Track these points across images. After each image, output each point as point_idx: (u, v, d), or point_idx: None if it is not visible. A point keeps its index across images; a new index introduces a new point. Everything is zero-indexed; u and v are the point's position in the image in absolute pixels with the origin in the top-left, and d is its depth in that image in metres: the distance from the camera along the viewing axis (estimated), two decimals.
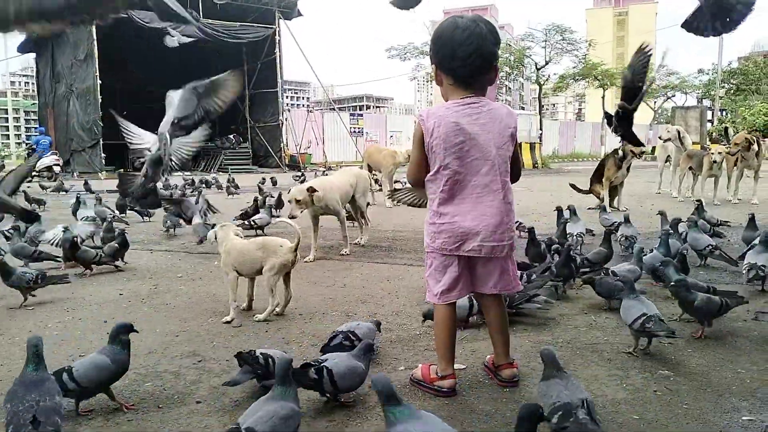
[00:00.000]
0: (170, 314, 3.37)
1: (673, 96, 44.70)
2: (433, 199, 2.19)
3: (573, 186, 8.37)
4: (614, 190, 7.88)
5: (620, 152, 7.58)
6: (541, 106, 38.24)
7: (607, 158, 7.92)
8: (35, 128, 22.12)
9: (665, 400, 2.12)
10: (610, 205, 7.67)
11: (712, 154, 8.19)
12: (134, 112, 27.14)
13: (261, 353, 2.23)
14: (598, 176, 7.89)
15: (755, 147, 8.32)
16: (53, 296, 3.77)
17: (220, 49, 22.81)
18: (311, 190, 4.72)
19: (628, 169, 7.69)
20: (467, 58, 2.07)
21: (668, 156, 9.89)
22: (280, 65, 23.33)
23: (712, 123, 32.03)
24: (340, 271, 4.48)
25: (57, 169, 17.24)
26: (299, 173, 15.59)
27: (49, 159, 17.16)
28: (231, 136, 24.02)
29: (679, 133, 9.41)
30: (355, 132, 28.23)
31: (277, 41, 22.99)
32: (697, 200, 5.55)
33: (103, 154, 19.27)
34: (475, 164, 2.10)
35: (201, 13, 20.44)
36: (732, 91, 40.88)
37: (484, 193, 2.10)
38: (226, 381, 2.23)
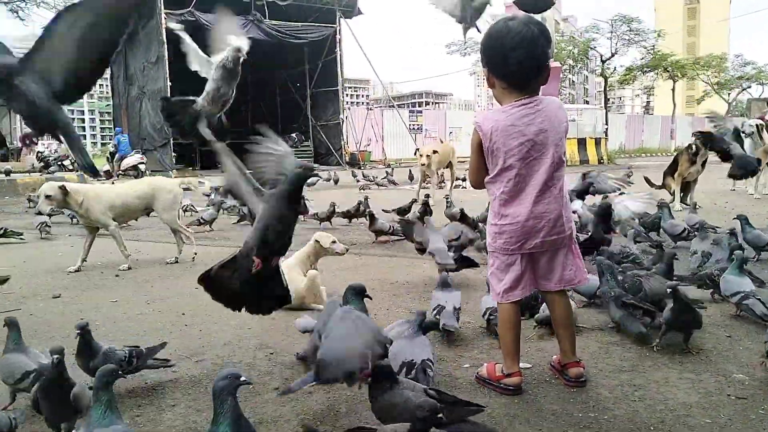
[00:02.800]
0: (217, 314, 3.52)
1: (749, 87, 42.35)
2: (493, 200, 2.22)
3: (647, 180, 8.10)
4: (687, 187, 7.58)
5: (693, 147, 7.28)
6: (606, 100, 37.06)
7: (681, 153, 7.64)
8: (114, 129, 23.24)
9: (739, 404, 2.07)
10: (682, 201, 7.39)
11: None
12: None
13: None
14: (671, 171, 7.61)
15: None
16: (133, 290, 4.02)
17: (283, 49, 23.32)
18: (63, 189, 4.54)
19: (703, 165, 7.34)
20: (520, 63, 2.09)
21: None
22: (340, 64, 23.61)
23: None
24: (402, 268, 4.54)
25: (142, 167, 18.05)
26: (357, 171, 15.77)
27: (134, 158, 18.01)
28: (293, 135, 24.51)
29: (757, 127, 8.93)
30: (414, 129, 28.25)
31: (338, 40, 23.28)
32: None
33: (173, 154, 20.06)
34: (534, 164, 2.12)
35: (266, 14, 21.03)
36: None
37: (543, 190, 2.13)
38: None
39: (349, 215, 6.73)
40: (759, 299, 2.74)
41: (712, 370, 2.38)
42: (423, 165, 8.99)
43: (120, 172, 16.18)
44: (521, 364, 2.41)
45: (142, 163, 18.28)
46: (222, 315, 3.34)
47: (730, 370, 2.37)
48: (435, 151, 8.70)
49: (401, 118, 27.45)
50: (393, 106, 33.78)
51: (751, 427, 1.92)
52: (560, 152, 2.15)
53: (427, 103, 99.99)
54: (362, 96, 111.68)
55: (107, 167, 18.44)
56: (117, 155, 18.93)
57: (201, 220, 6.88)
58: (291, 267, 3.54)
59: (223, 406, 1.60)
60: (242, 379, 1.64)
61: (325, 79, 24.30)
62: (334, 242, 3.79)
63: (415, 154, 13.46)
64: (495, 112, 2.20)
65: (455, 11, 3.47)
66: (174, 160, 20.13)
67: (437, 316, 2.75)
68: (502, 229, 2.20)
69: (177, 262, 5.01)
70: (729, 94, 43.85)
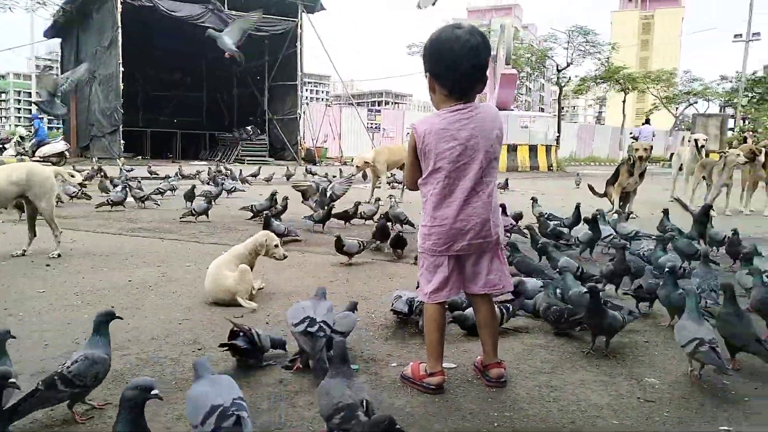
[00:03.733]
0: (175, 302, 3.47)
1: (696, 103, 44.15)
2: (425, 202, 2.28)
3: (590, 187, 8.35)
4: (627, 197, 7.84)
5: (631, 159, 7.56)
6: (560, 108, 38.05)
7: (621, 164, 7.92)
8: (33, 115, 22.37)
9: (647, 407, 2.17)
10: (621, 210, 7.65)
11: (737, 156, 8.15)
12: (154, 99, 27.44)
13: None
14: (613, 181, 7.87)
15: (761, 158, 8.27)
16: (65, 281, 3.90)
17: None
18: None
19: (641, 176, 7.62)
20: (465, 73, 2.15)
21: (681, 164, 9.84)
22: (300, 59, 23.45)
23: (734, 131, 31.61)
24: (343, 268, 4.55)
25: (67, 154, 17.55)
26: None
27: (56, 146, 17.40)
28: (249, 128, 24.22)
29: (696, 142, 9.35)
30: (372, 127, 28.32)
31: (299, 34, 23.11)
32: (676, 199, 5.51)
33: (122, 141, 19.52)
34: (463, 168, 2.17)
35: (225, 4, 20.69)
36: (755, 100, 40.25)
37: (471, 194, 2.18)
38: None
39: (346, 216, 6.36)
40: (713, 348, 2.34)
41: (626, 373, 2.49)
42: (353, 175, 9.18)
43: (37, 158, 15.55)
44: (446, 364, 2.46)
45: (68, 150, 17.81)
46: (153, 309, 3.31)
47: (642, 374, 2.47)
48: (367, 163, 8.76)
49: (359, 116, 27.45)
50: (352, 104, 33.75)
51: (653, 429, 2.01)
52: (490, 158, 2.20)
53: (386, 103, 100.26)
54: (322, 92, 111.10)
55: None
56: (34, 140, 18.18)
57: (109, 201, 7.25)
58: (224, 263, 3.51)
59: (127, 414, 1.55)
60: (153, 392, 1.58)
61: (285, 73, 24.09)
62: (277, 246, 3.78)
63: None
64: (431, 116, 2.26)
65: None
66: (123, 147, 19.57)
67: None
68: (431, 231, 2.25)
69: (60, 256, 4.63)
70: (677, 108, 45.60)
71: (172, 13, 19.90)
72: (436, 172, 2.20)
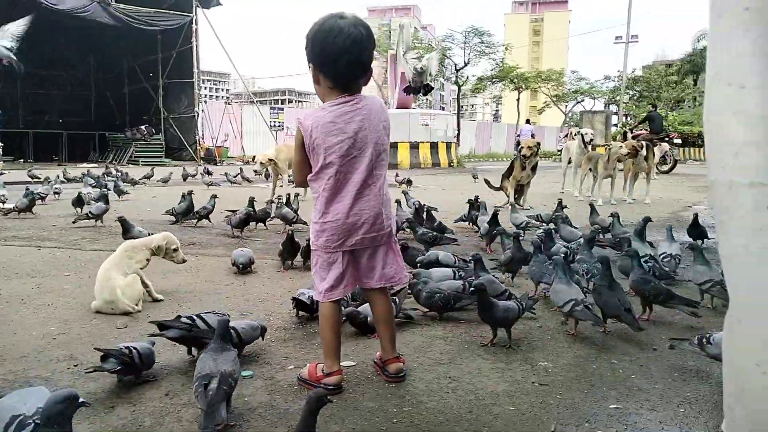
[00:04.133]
0: (51, 315, 3.17)
1: (583, 101, 47.03)
2: (316, 198, 2.19)
3: (487, 182, 8.61)
4: (521, 190, 8.17)
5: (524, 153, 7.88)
6: (459, 107, 39.17)
7: (515, 159, 8.23)
8: None
9: (541, 391, 2.21)
10: (516, 202, 7.92)
11: (620, 148, 8.71)
12: (36, 98, 25.44)
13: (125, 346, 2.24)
14: (508, 174, 8.16)
15: (643, 152, 8.93)
16: None
17: (134, 35, 21.82)
18: None
19: (533, 170, 7.97)
20: (350, 65, 2.08)
21: (570, 158, 10.38)
22: (196, 55, 22.62)
23: (617, 127, 33.95)
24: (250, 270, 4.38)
25: None
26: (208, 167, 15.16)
27: None
28: (143, 127, 23.00)
29: (582, 136, 9.86)
30: (275, 126, 27.77)
31: (194, 30, 22.25)
32: (590, 204, 5.82)
33: (0, 144, 17.88)
34: (354, 161, 2.11)
35: None
36: (636, 98, 43.53)
37: (362, 188, 2.13)
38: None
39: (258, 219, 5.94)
40: (586, 306, 2.72)
41: (521, 359, 2.53)
42: (256, 172, 9.15)
43: None
44: (345, 363, 2.40)
45: None
46: (25, 324, 3.00)
47: (536, 359, 2.53)
48: (271, 160, 8.61)
49: (261, 114, 26.84)
50: (253, 102, 32.96)
51: (548, 413, 2.04)
52: (379, 150, 2.15)
53: (290, 101, 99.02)
54: (222, 90, 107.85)
55: None
56: None
57: (15, 208, 6.64)
58: (115, 262, 3.31)
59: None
60: (80, 400, 1.51)
61: (180, 70, 23.13)
62: (176, 249, 3.62)
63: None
64: (317, 110, 2.17)
65: None
66: (1, 150, 17.92)
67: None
68: (324, 227, 2.17)
69: None
70: (566, 106, 48.37)
71: (53, 6, 18.49)
72: (326, 167, 2.12)
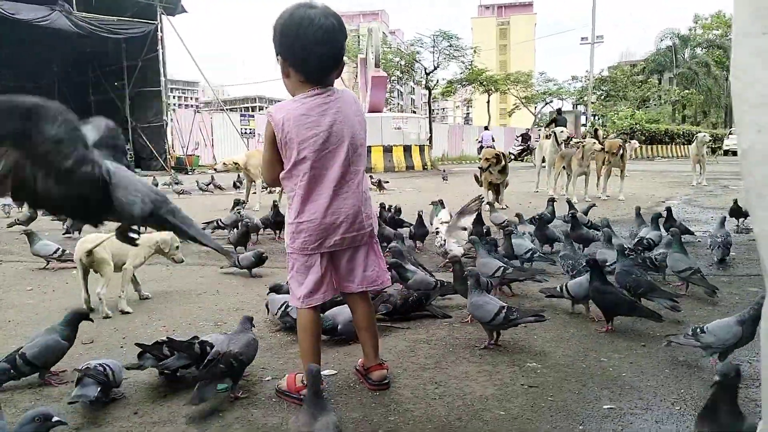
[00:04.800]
0: (12, 332, 2.98)
1: (551, 102, 47.57)
2: (291, 197, 2.06)
3: (476, 177, 8.55)
4: (498, 189, 8.09)
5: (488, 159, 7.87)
6: (431, 110, 39.26)
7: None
8: None
9: (531, 393, 2.13)
10: (497, 202, 7.84)
11: (594, 144, 8.76)
12: None
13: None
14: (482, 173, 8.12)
15: (621, 151, 9.01)
16: None
17: (97, 44, 21.36)
18: None
19: (501, 172, 7.85)
20: (321, 57, 1.96)
21: (543, 157, 10.42)
22: (163, 63, 22.20)
23: (585, 126, 34.43)
24: (214, 277, 4.23)
25: None
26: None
27: None
28: None
29: (555, 135, 9.90)
30: (246, 133, 27.43)
31: (159, 38, 21.85)
32: (567, 200, 5.82)
33: None
34: (329, 156, 1.99)
35: (74, 5, 19.06)
36: (603, 97, 44.23)
37: (340, 185, 2.01)
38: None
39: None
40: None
41: (508, 360, 2.45)
42: (216, 170, 9.12)
43: None
44: (326, 371, 2.29)
45: None
46: None
47: (523, 360, 2.44)
48: (236, 163, 8.47)
49: (232, 122, 26.49)
50: (223, 110, 32.53)
51: (540, 416, 1.96)
52: (356, 144, 2.04)
53: (260, 108, 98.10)
54: (192, 99, 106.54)
55: None
56: None
57: (17, 221, 6.21)
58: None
59: None
60: (55, 419, 1.45)
61: (147, 79, 22.67)
62: (178, 248, 3.60)
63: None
64: (288, 103, 2.03)
65: None
66: None
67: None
68: (300, 228, 2.04)
69: None
70: (535, 107, 48.90)
71: (12, 15, 17.93)
72: (300, 163, 1.99)
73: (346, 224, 2.04)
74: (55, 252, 4.46)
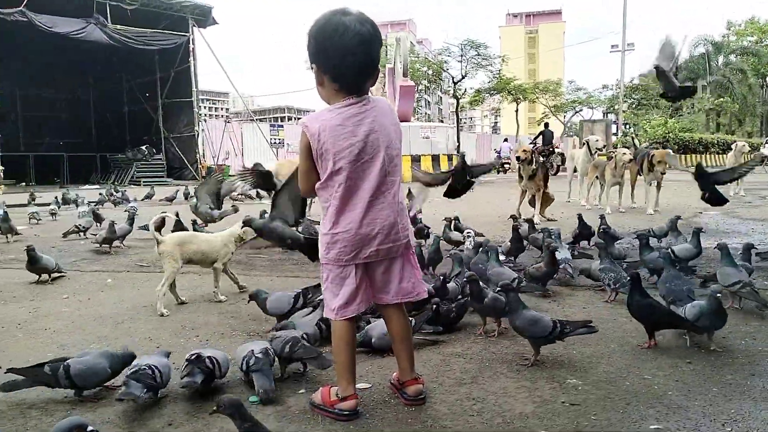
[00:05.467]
0: (48, 340, 3.01)
1: (581, 110, 47.01)
2: (326, 208, 2.04)
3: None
4: (533, 200, 7.82)
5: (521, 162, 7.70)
6: (458, 119, 39.14)
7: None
8: None
9: (573, 411, 2.05)
10: (541, 214, 7.61)
11: (624, 154, 8.52)
12: (36, 121, 25.42)
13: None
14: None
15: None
16: None
17: (131, 56, 21.85)
18: None
19: (530, 179, 7.58)
20: (357, 65, 1.93)
21: (576, 166, 10.24)
22: (194, 74, 22.59)
23: (616, 135, 33.89)
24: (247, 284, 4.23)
25: None
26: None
27: None
28: (143, 147, 22.92)
29: (587, 143, 9.73)
30: (275, 143, 27.69)
31: (191, 49, 22.25)
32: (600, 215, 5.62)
33: (1, 167, 17.80)
34: (365, 167, 1.96)
35: (109, 18, 19.54)
36: (634, 105, 43.51)
37: (376, 195, 1.98)
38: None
39: None
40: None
41: (547, 376, 2.37)
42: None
43: None
44: (359, 385, 2.24)
45: None
46: (20, 351, 2.84)
47: (563, 376, 2.37)
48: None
49: (261, 132, 26.77)
50: (253, 120, 32.93)
51: None
52: (392, 155, 2.01)
53: (289, 118, 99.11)
54: (221, 109, 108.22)
55: None
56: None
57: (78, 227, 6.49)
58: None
59: None
60: (90, 429, 1.47)
61: (179, 90, 23.10)
62: (254, 238, 3.95)
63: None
64: (322, 112, 2.01)
65: None
66: (2, 174, 17.85)
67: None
68: (335, 239, 2.02)
69: None
70: (564, 116, 48.36)
71: (49, 28, 18.47)
72: (336, 174, 1.97)
73: (382, 235, 2.01)
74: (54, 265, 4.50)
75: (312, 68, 2.01)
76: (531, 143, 24.92)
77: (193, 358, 2.23)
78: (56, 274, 4.52)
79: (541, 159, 8.05)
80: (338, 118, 1.94)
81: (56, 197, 10.10)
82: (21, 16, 17.76)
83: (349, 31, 1.90)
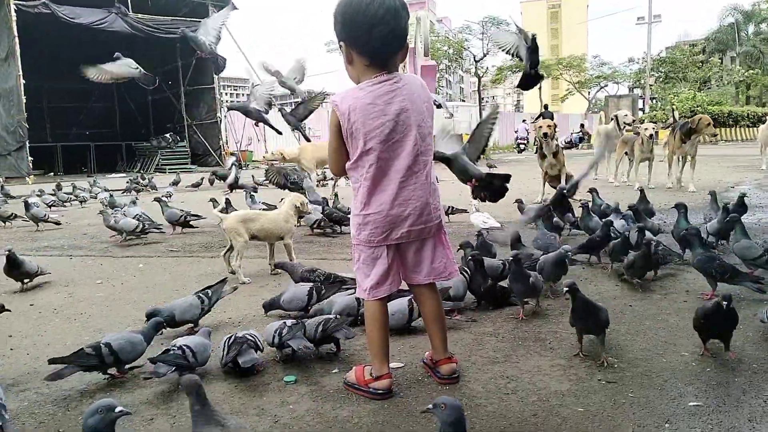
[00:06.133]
0: (84, 325, 3.08)
1: (606, 86, 46.10)
2: (356, 188, 2.02)
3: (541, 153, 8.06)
4: (557, 180, 7.68)
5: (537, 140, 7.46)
6: (480, 98, 38.71)
7: (536, 150, 7.77)
8: None
9: (610, 389, 2.03)
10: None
11: (645, 129, 8.28)
12: (62, 112, 25.84)
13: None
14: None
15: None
16: None
17: (153, 44, 21.97)
18: None
19: (554, 155, 7.31)
20: (385, 37, 1.89)
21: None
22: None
23: (643, 110, 33.21)
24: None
25: None
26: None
27: None
28: (167, 135, 23.15)
29: (616, 118, 9.48)
30: (297, 127, 27.72)
31: None
32: (639, 188, 5.46)
33: (30, 158, 18.14)
34: (396, 146, 1.94)
35: (130, 7, 19.64)
36: (661, 79, 42.44)
37: (407, 176, 1.96)
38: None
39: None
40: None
41: (582, 354, 2.35)
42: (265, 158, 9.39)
43: None
44: (393, 364, 2.24)
45: None
46: (58, 335, 2.90)
47: (599, 354, 2.33)
48: (282, 155, 8.56)
49: (283, 116, 26.81)
50: (274, 105, 33.04)
51: (621, 413, 1.86)
52: (424, 133, 1.98)
53: None
54: (242, 95, 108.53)
55: None
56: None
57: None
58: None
59: None
60: (118, 410, 1.47)
61: (200, 77, 23.16)
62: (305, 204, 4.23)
63: None
64: (353, 90, 1.98)
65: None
66: (31, 164, 18.20)
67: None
68: (366, 220, 2.01)
69: None
70: (589, 92, 47.46)
71: (72, 19, 18.63)
72: (366, 154, 1.95)
73: (414, 216, 1.99)
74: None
75: (340, 47, 1.99)
76: (532, 122, 24.57)
77: (233, 340, 2.27)
78: (39, 279, 4.03)
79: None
80: (369, 96, 1.92)
81: (53, 189, 10.32)
82: (44, 8, 17.95)
83: (375, 2, 1.87)
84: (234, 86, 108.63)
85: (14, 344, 2.82)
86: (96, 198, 9.50)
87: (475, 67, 37.35)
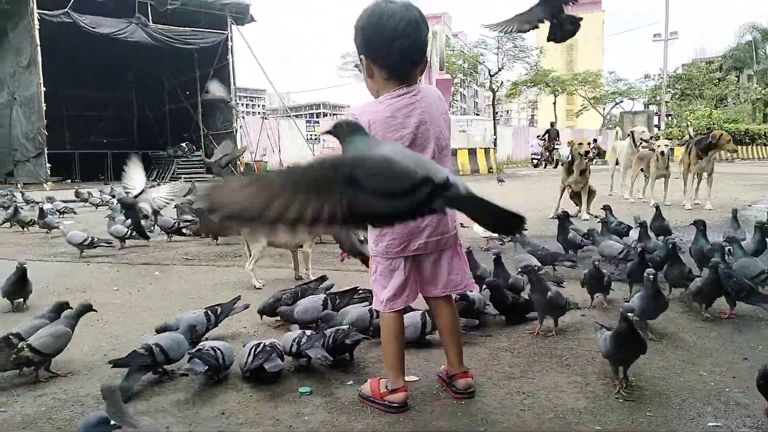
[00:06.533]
0: (101, 331, 3.11)
1: (621, 102, 45.93)
2: None
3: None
4: (578, 196, 7.50)
5: (569, 156, 7.39)
6: (495, 113, 38.72)
7: (563, 164, 7.70)
8: None
9: (627, 407, 2.01)
10: (578, 214, 7.28)
11: (658, 146, 8.21)
12: (81, 119, 26.22)
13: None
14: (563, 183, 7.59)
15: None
16: None
17: (172, 54, 22.29)
18: None
19: (581, 173, 7.26)
20: (405, 50, 1.91)
21: (617, 158, 9.98)
22: (232, 72, 22.89)
23: (659, 127, 33.02)
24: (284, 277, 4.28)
25: None
26: None
27: None
28: (183, 144, 23.42)
29: (632, 134, 9.44)
30: (312, 139, 27.88)
31: (229, 47, 22.56)
32: (654, 205, 5.39)
33: (48, 165, 18.39)
34: None
35: (150, 18, 19.96)
36: (677, 96, 42.24)
37: None
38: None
39: None
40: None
41: (599, 371, 2.33)
42: None
43: None
44: (408, 377, 2.23)
45: None
46: (74, 341, 2.91)
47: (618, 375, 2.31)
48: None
49: (298, 127, 27.00)
50: (290, 116, 33.26)
51: None
52: (441, 145, 2.00)
53: (324, 114, 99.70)
54: (258, 106, 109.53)
55: None
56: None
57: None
58: None
59: None
60: (112, 423, 1.53)
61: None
62: None
63: None
64: (373, 104, 2.00)
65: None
66: (49, 171, 18.46)
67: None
68: (384, 232, 2.02)
69: None
70: (604, 108, 47.33)
71: (93, 29, 18.96)
72: None
73: (431, 228, 2.00)
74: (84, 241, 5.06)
75: (361, 61, 2.01)
76: (540, 138, 24.51)
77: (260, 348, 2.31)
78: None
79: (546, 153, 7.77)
80: (388, 109, 1.94)
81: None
82: (66, 17, 18.29)
83: (396, 15, 1.89)
84: (250, 97, 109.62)
85: None
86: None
87: (490, 81, 37.42)
